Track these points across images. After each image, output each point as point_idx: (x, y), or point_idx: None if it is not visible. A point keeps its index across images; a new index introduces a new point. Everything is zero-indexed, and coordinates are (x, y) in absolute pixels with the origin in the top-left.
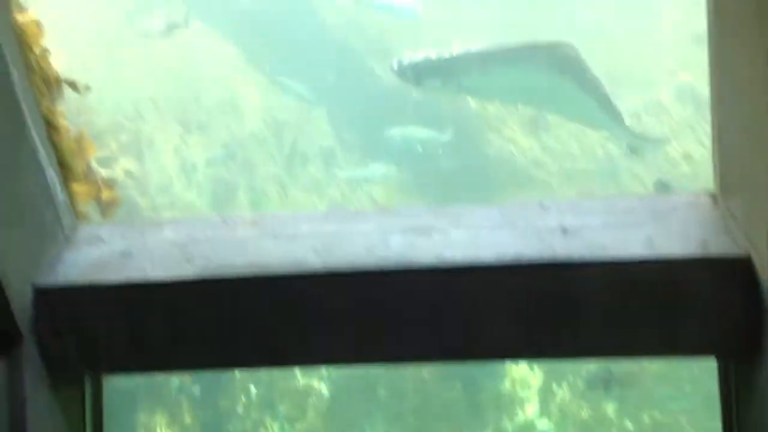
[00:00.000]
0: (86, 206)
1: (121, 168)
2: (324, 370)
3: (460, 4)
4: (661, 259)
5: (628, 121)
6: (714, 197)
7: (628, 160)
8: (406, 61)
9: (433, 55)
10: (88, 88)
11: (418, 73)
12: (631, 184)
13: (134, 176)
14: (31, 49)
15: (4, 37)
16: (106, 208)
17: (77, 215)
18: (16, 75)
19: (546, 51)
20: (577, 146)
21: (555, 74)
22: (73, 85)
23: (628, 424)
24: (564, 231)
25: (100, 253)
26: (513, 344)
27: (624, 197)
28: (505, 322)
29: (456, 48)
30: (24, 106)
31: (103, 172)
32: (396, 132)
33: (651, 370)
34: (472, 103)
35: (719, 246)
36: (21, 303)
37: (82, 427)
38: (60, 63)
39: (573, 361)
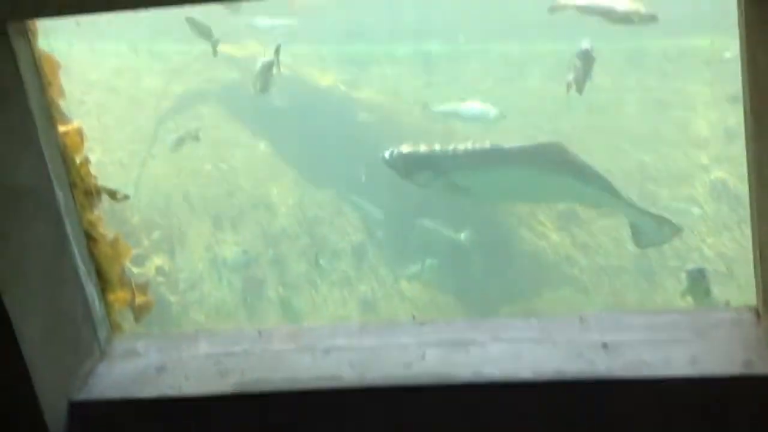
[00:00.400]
0: (121, 311)
1: (153, 265)
2: None
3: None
4: (705, 378)
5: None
6: (757, 312)
7: (660, 254)
8: (396, 152)
9: (423, 148)
10: (126, 197)
11: (407, 165)
12: (664, 279)
13: (166, 273)
14: (73, 161)
15: (51, 156)
16: (139, 312)
17: (113, 326)
18: (61, 195)
19: (535, 152)
20: (608, 240)
21: (548, 173)
22: (112, 195)
23: None
24: (605, 347)
25: (135, 367)
26: None
27: (665, 312)
28: None
29: (447, 144)
30: (67, 224)
31: (135, 271)
32: (419, 228)
33: None
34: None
35: (764, 364)
36: (56, 417)
37: None
38: (97, 161)
39: None
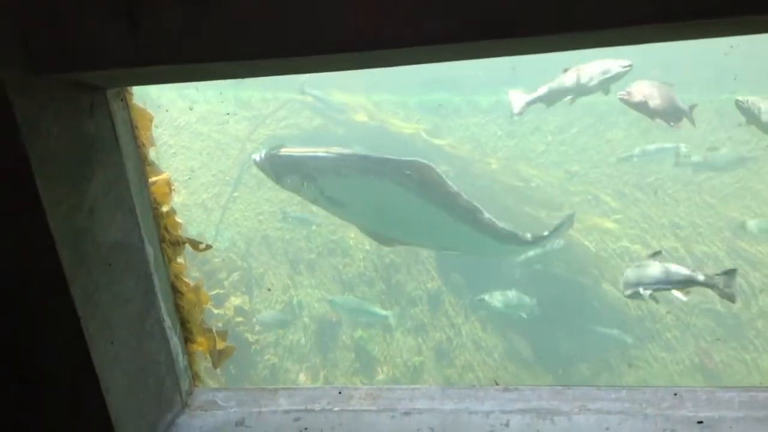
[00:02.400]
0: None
1: (232, 305)
2: None
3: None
4: None
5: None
6: None
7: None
8: (265, 154)
9: (294, 151)
10: (208, 247)
11: (275, 167)
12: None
13: (245, 313)
14: (161, 214)
15: (142, 212)
16: (218, 358)
17: (194, 376)
18: (151, 250)
19: (399, 165)
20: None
21: (412, 191)
22: (195, 245)
23: None
24: (700, 424)
25: (215, 420)
26: None
27: (765, 389)
28: None
29: (315, 149)
30: (155, 278)
31: (215, 311)
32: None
33: None
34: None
35: None
36: None
37: None
38: (181, 203)
39: None
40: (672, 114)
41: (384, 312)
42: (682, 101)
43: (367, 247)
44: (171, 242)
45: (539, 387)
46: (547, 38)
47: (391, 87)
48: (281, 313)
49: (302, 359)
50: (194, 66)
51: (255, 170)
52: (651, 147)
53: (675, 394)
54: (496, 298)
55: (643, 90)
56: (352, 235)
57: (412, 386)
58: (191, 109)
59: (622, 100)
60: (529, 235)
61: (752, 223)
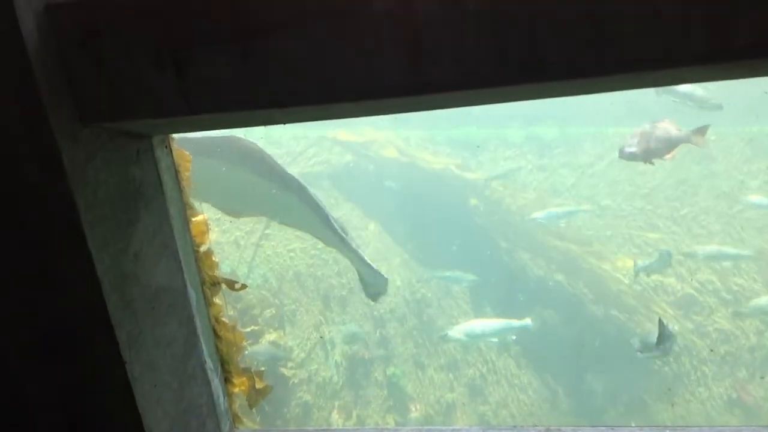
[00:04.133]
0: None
1: (266, 341)
2: None
3: None
4: None
5: None
6: None
7: None
8: None
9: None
10: (244, 286)
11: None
12: None
13: (279, 348)
14: (200, 254)
15: (185, 255)
16: (255, 398)
17: (234, 418)
18: (193, 293)
19: (215, 143)
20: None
21: (236, 166)
22: (230, 285)
23: None
24: None
25: None
26: None
27: None
28: None
29: None
30: (197, 321)
31: (250, 348)
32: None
33: None
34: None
35: None
36: None
37: None
38: (215, 241)
39: None
40: (667, 148)
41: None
42: (679, 130)
43: (399, 283)
44: (210, 283)
45: (582, 427)
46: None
47: (419, 122)
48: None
49: (334, 396)
50: (242, 113)
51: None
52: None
53: None
54: (461, 331)
55: (642, 140)
56: (382, 270)
57: (451, 427)
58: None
59: (629, 156)
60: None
61: None
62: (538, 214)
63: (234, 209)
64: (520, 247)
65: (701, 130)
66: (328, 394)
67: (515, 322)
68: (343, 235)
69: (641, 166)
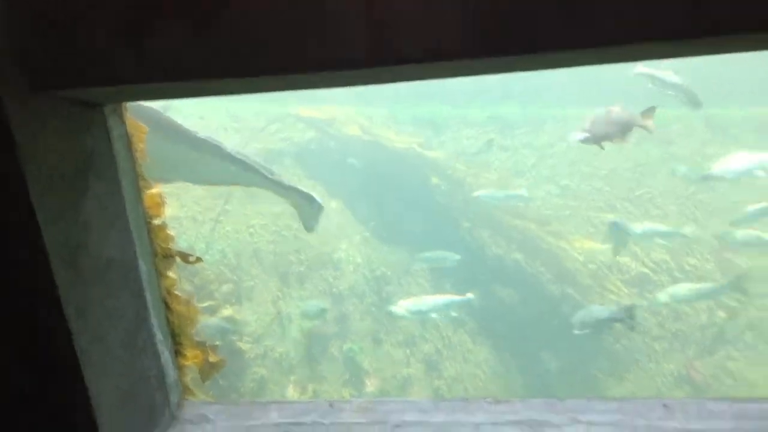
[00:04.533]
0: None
1: (222, 316)
2: None
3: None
4: None
5: None
6: None
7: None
8: None
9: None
10: (198, 259)
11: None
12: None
13: (235, 323)
14: (153, 227)
15: (137, 227)
16: (208, 372)
17: (183, 389)
18: (143, 266)
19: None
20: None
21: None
22: (184, 258)
23: None
24: None
25: None
26: None
27: (756, 400)
28: None
29: None
30: (148, 294)
31: (212, 322)
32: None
33: None
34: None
35: None
36: None
37: None
38: (172, 216)
39: None
40: (620, 132)
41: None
42: (632, 114)
43: (359, 260)
44: (163, 256)
45: (530, 399)
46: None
47: (382, 100)
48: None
49: (290, 371)
50: (197, 82)
51: None
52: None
53: (665, 406)
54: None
55: (595, 125)
56: (343, 247)
57: (404, 399)
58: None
59: (578, 141)
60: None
61: (738, 234)
62: (480, 192)
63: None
64: (480, 226)
65: (648, 113)
66: (283, 369)
67: (457, 298)
68: (268, 174)
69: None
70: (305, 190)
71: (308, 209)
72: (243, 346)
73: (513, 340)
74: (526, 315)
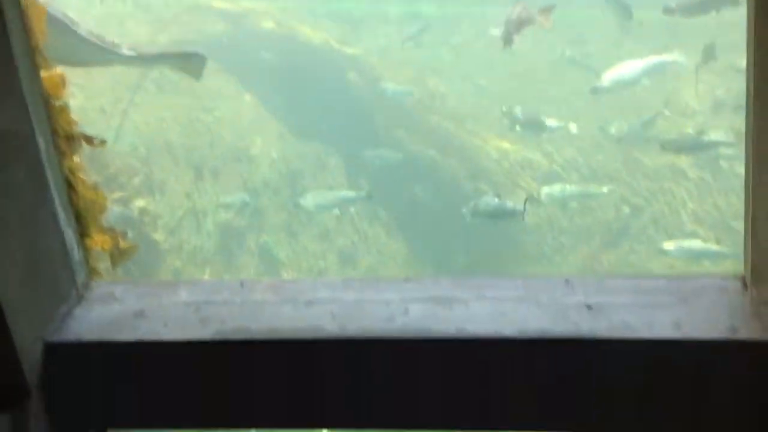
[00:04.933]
0: (101, 255)
1: (136, 207)
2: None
3: None
4: (688, 341)
5: None
6: (744, 281)
7: None
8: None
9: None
10: (103, 142)
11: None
12: None
13: (149, 214)
14: (54, 107)
15: (33, 101)
16: (119, 258)
17: (91, 270)
18: (42, 141)
19: None
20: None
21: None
22: (88, 140)
23: None
24: (589, 308)
25: (113, 312)
26: (532, 418)
27: (651, 277)
28: (525, 397)
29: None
30: (47, 170)
31: (118, 210)
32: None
33: None
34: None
35: (749, 331)
36: (31, 358)
37: None
38: (78, 107)
39: None
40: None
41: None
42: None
43: (274, 155)
44: (64, 136)
45: (439, 279)
46: None
47: None
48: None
49: (206, 263)
50: None
51: (155, 75)
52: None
53: (567, 282)
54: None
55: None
56: (257, 142)
57: (314, 279)
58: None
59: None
60: None
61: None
62: (386, 85)
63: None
64: (396, 123)
65: (546, 11)
66: (199, 261)
67: (353, 194)
68: (129, 52)
69: (515, 47)
70: (178, 51)
71: (190, 66)
72: (158, 237)
73: (426, 233)
74: (440, 210)
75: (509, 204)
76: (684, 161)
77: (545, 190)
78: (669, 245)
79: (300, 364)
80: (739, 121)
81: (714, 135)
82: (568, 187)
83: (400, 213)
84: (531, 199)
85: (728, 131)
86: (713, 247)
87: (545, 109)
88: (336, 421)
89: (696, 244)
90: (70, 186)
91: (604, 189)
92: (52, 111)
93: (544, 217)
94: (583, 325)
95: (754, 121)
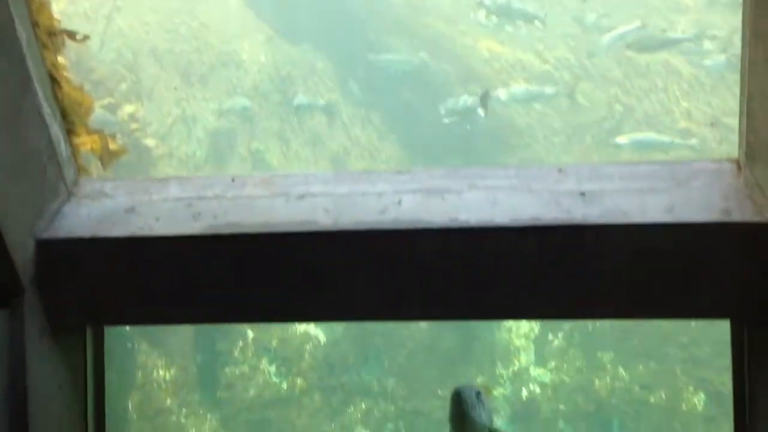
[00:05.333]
0: (90, 158)
1: (125, 113)
2: None
3: None
4: (681, 225)
5: None
6: (738, 164)
7: None
8: None
9: None
10: (86, 37)
11: None
12: None
13: (137, 120)
14: (34, 4)
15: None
16: (108, 159)
17: (80, 169)
18: (24, 35)
19: None
20: None
21: None
22: (71, 35)
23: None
24: (582, 195)
25: (103, 208)
26: (527, 304)
27: (644, 163)
28: (519, 284)
29: None
30: (30, 63)
31: (107, 116)
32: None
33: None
34: None
35: (742, 213)
36: (23, 255)
37: (83, 376)
38: (61, 11)
39: (588, 320)
40: None
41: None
42: None
43: (263, 59)
44: (46, 31)
45: (431, 169)
46: None
47: None
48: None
49: (198, 169)
50: None
51: None
52: None
53: (560, 171)
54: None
55: None
56: (245, 46)
57: (306, 173)
58: None
59: None
60: None
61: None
62: None
63: None
64: (386, 24)
65: None
66: (190, 168)
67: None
68: None
69: None
70: None
71: None
72: (148, 142)
73: (418, 137)
74: (432, 114)
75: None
76: (677, 60)
77: (502, 92)
78: (622, 139)
79: (294, 257)
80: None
81: (680, 33)
82: (519, 88)
83: (393, 117)
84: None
85: (720, 28)
86: (666, 138)
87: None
88: (330, 315)
89: (650, 136)
90: (54, 81)
91: (551, 90)
92: (31, 4)
93: (535, 119)
94: (576, 211)
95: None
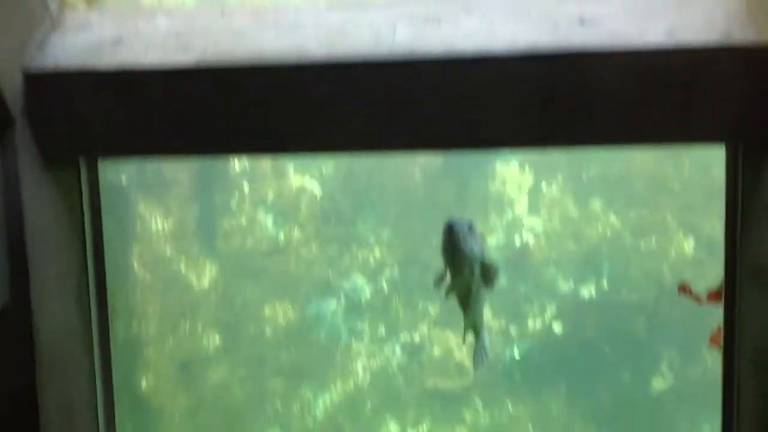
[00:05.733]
0: None
1: None
2: (316, 170)
3: None
4: (681, 48)
5: None
6: None
7: None
8: None
9: None
10: None
11: None
12: None
13: None
14: None
15: None
16: None
17: (64, 1)
18: None
19: None
20: None
21: None
22: None
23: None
24: (582, 20)
25: (89, 39)
26: (525, 135)
27: None
28: (518, 112)
29: None
30: None
31: None
32: None
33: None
34: None
35: (743, 34)
36: (11, 87)
37: (79, 208)
38: None
39: (585, 148)
40: None
41: None
42: None
43: None
44: None
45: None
46: None
47: None
48: None
49: None
50: None
51: None
52: None
53: None
54: None
55: None
56: None
57: (298, 4)
58: None
59: None
60: None
61: None
62: None
63: None
64: None
65: None
66: None
67: None
68: None
69: None
70: None
71: None
72: None
73: None
74: None
75: None
76: None
77: None
78: None
79: (286, 89)
80: None
81: None
82: None
83: None
84: None
85: None
86: None
87: None
88: (325, 147)
89: None
90: None
91: None
92: None
93: None
94: (575, 37)
95: None
